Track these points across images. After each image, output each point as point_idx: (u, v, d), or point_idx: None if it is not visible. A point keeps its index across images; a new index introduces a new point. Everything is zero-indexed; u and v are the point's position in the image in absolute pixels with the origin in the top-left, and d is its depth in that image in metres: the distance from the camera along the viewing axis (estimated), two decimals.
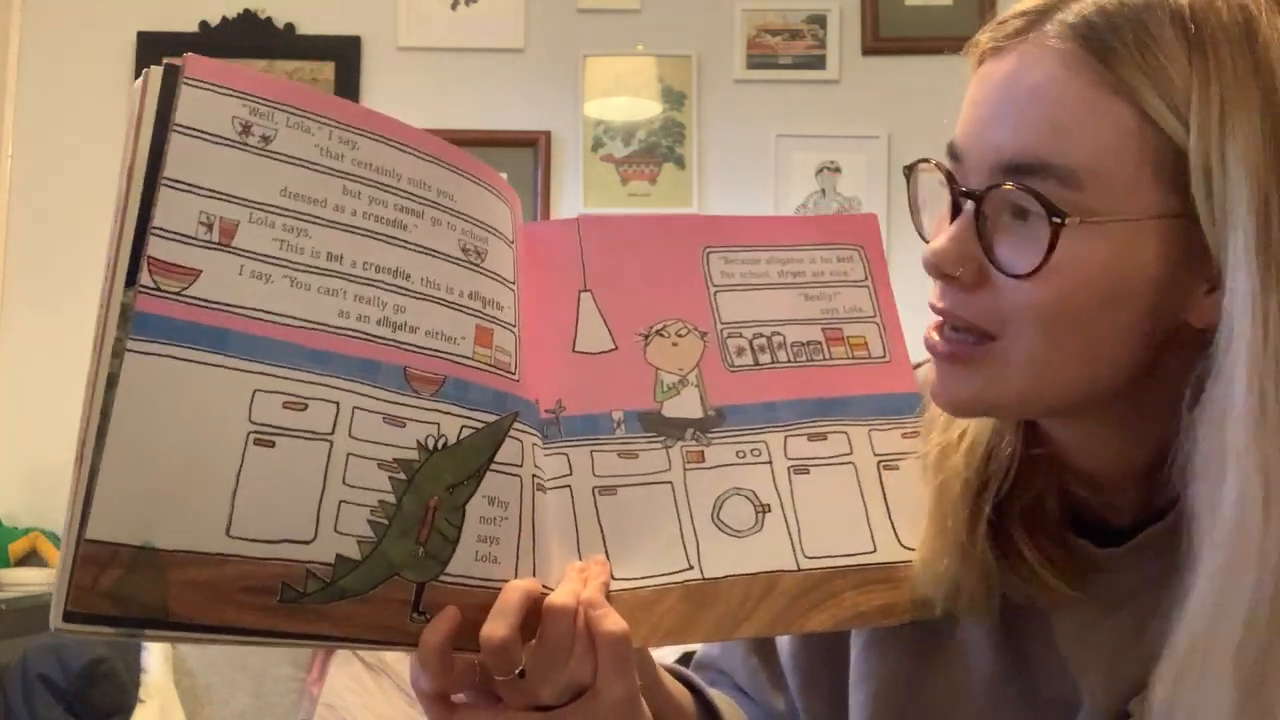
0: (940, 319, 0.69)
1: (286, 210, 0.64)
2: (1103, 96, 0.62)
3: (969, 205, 0.66)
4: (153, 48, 3.15)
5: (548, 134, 3.16)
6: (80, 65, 3.15)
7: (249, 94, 0.64)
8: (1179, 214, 0.62)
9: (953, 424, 0.76)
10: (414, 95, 3.18)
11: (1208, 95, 0.60)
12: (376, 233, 0.66)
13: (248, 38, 3.18)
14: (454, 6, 3.21)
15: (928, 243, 0.69)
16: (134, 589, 0.57)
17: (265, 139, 0.64)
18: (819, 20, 3.19)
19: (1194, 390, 0.63)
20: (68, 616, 0.56)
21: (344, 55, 3.19)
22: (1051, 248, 0.62)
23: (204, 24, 3.19)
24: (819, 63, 3.18)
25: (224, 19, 3.19)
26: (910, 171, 0.73)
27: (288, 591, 0.60)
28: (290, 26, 3.20)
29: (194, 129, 0.62)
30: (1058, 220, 0.62)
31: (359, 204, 0.66)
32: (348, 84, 3.17)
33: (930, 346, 0.70)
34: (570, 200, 3.17)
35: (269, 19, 3.20)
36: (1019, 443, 0.74)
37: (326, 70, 3.18)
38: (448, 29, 3.20)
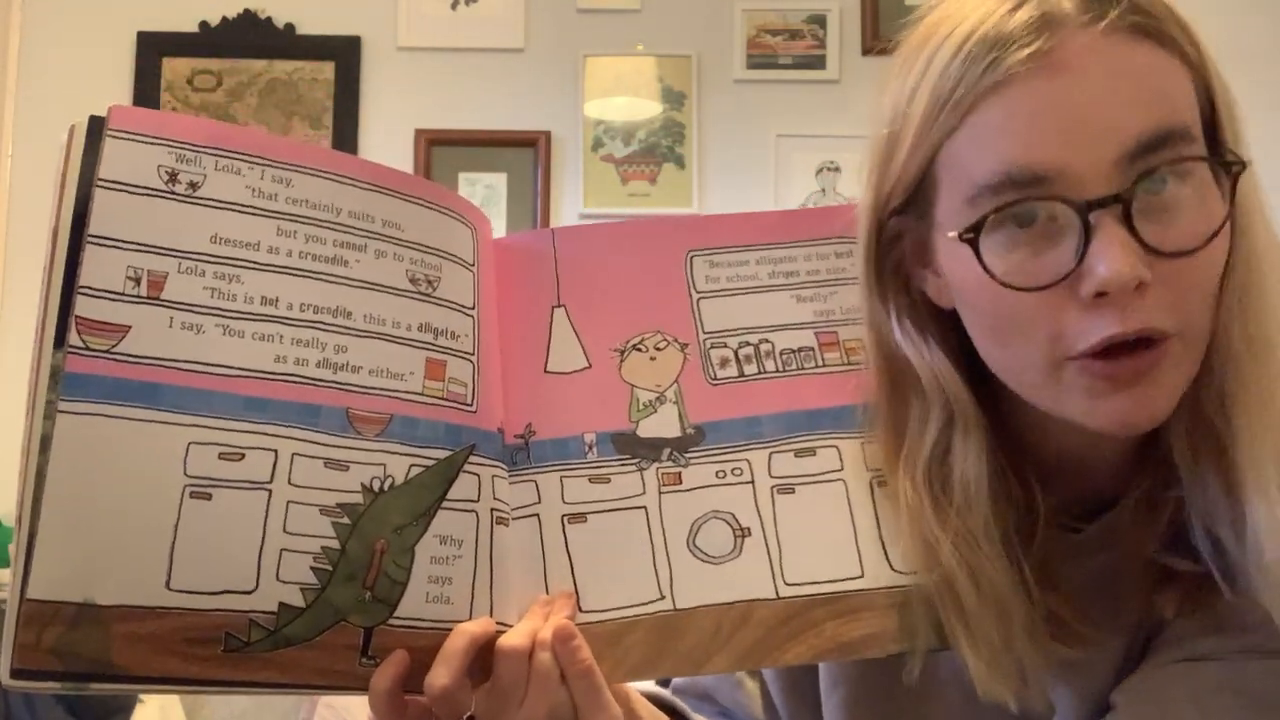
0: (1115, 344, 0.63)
1: (217, 257, 0.63)
2: (1166, 55, 0.64)
3: (1107, 212, 0.61)
4: (153, 48, 3.15)
5: (548, 134, 3.16)
6: (80, 65, 3.14)
7: (176, 140, 0.63)
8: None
9: (947, 512, 0.69)
10: (414, 95, 3.17)
11: (1194, 35, 0.65)
12: (314, 272, 0.65)
13: (248, 38, 3.18)
14: (454, 6, 3.20)
15: (1017, 288, 0.63)
16: (77, 645, 0.58)
17: (193, 185, 0.63)
18: (819, 20, 3.18)
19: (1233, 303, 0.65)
20: (14, 674, 0.57)
21: (344, 55, 3.18)
22: (1233, 197, 0.63)
23: (204, 24, 3.18)
24: (819, 63, 3.17)
25: (224, 19, 3.18)
26: (977, 231, 0.64)
27: (232, 641, 0.60)
28: (290, 26, 3.20)
29: (119, 182, 0.62)
30: (1239, 166, 0.63)
31: (294, 244, 0.65)
32: (347, 84, 3.17)
33: (1121, 372, 0.63)
34: (570, 200, 3.16)
35: (269, 19, 3.19)
36: (1033, 488, 0.70)
37: (326, 70, 3.18)
38: (448, 29, 3.20)
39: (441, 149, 3.14)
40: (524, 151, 3.15)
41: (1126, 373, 0.63)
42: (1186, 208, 0.62)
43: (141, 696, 2.45)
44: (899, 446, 0.71)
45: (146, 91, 3.10)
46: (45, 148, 3.10)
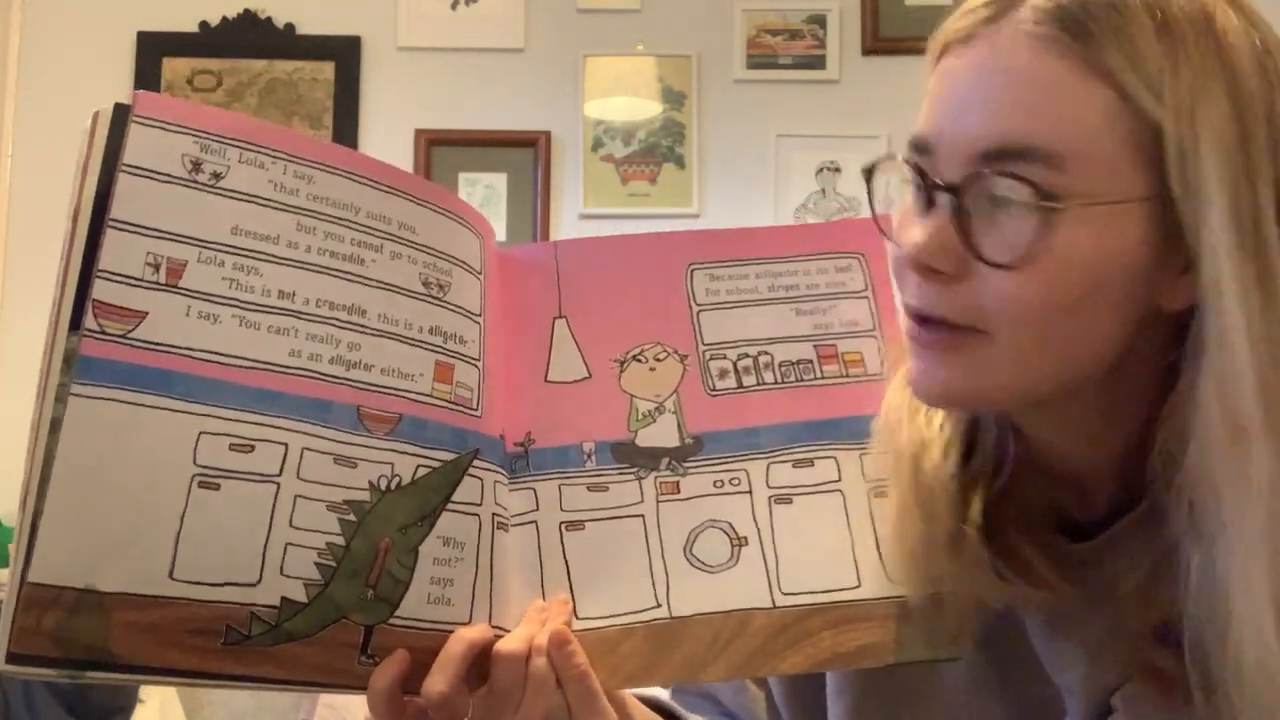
0: (913, 313, 0.66)
1: (236, 248, 0.63)
2: (1082, 78, 0.62)
3: (946, 198, 0.64)
4: (153, 48, 3.15)
5: (548, 134, 3.16)
6: (80, 65, 3.14)
7: (201, 130, 0.63)
8: (1156, 196, 0.62)
9: (919, 418, 0.72)
10: (414, 95, 3.18)
11: (1178, 75, 0.61)
12: (331, 269, 0.65)
13: (248, 38, 3.18)
14: (454, 6, 3.21)
15: (891, 240, 0.68)
16: (76, 631, 0.57)
17: (216, 176, 0.63)
18: (819, 20, 3.18)
19: (1186, 369, 0.63)
20: (10, 658, 0.56)
21: (344, 55, 3.18)
22: (1041, 234, 0.61)
23: (204, 24, 3.19)
24: (819, 63, 3.18)
25: (224, 19, 3.19)
26: (870, 171, 0.70)
27: (232, 634, 0.60)
28: (290, 26, 3.20)
29: (142, 168, 0.61)
30: (1048, 205, 0.61)
31: (313, 239, 0.65)
32: (347, 84, 3.17)
33: (912, 335, 0.67)
34: (570, 200, 3.17)
35: (269, 19, 3.20)
36: (1006, 438, 0.72)
37: (326, 70, 3.18)
38: (448, 29, 3.20)
39: (441, 149, 3.15)
40: (524, 151, 3.15)
41: (926, 336, 0.66)
42: (1011, 224, 0.62)
43: (142, 697, 2.45)
44: (905, 359, 0.74)
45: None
46: (45, 148, 3.13)
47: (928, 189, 0.65)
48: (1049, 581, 0.70)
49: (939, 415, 0.72)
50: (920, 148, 0.66)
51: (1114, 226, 0.62)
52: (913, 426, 0.72)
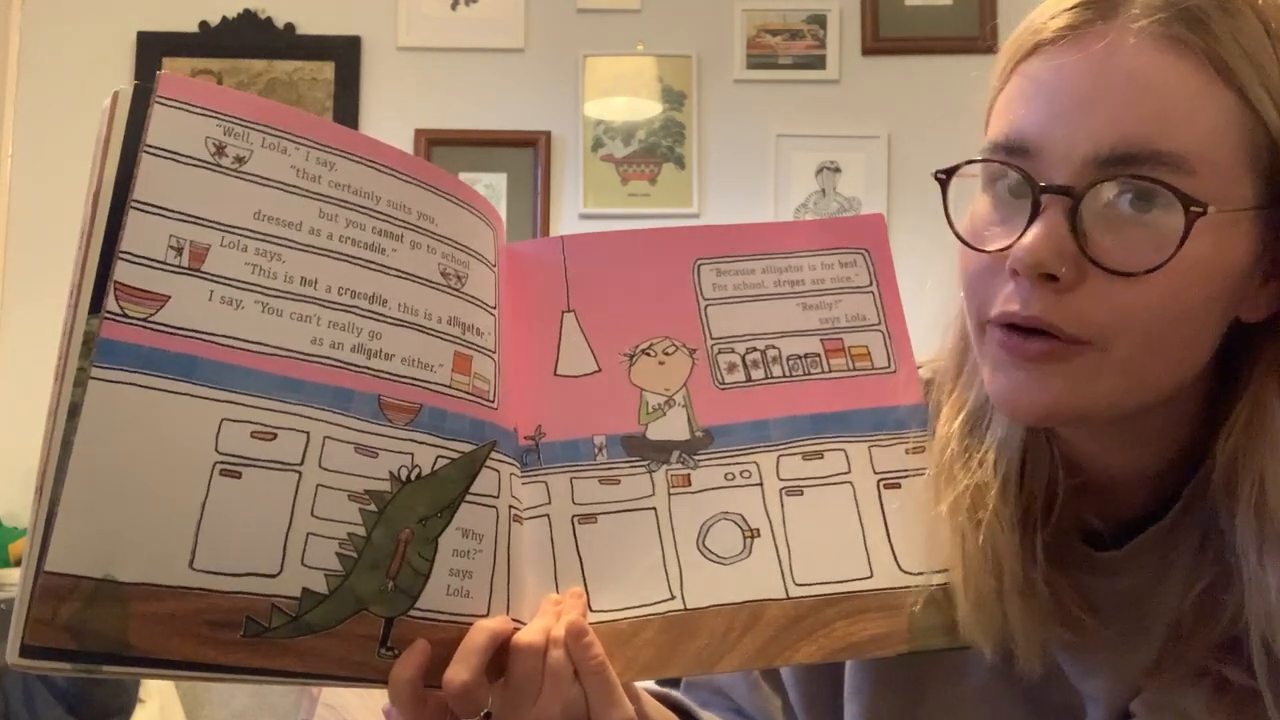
0: (1012, 322, 0.63)
1: (259, 233, 0.62)
2: (1208, 81, 0.60)
3: (1059, 201, 0.61)
4: (153, 48, 3.15)
5: (548, 134, 3.16)
6: (80, 65, 3.14)
7: (224, 113, 0.62)
8: (1266, 205, 0.61)
9: (972, 460, 0.70)
10: (414, 95, 3.17)
11: None
12: (353, 256, 0.64)
13: (248, 38, 3.18)
14: (454, 6, 3.20)
15: (973, 247, 0.65)
16: (94, 622, 0.56)
17: (239, 160, 0.62)
18: (819, 20, 3.18)
19: (1266, 380, 0.63)
20: (25, 651, 0.54)
21: (344, 55, 3.18)
22: (1183, 241, 0.59)
23: (204, 24, 3.18)
24: (819, 63, 3.17)
25: (224, 19, 3.18)
26: (949, 174, 0.67)
27: (252, 626, 0.59)
28: (290, 26, 3.20)
29: (165, 150, 0.60)
30: (1198, 210, 0.59)
31: (335, 227, 0.64)
32: (347, 84, 3.17)
33: (1009, 347, 0.63)
34: (570, 200, 3.16)
35: (269, 19, 3.19)
36: (1056, 464, 0.70)
37: (326, 70, 3.18)
38: (448, 29, 3.20)
39: (441, 149, 3.14)
40: (524, 151, 3.15)
41: (1016, 353, 0.63)
42: (1140, 231, 0.60)
43: (142, 697, 2.45)
44: (954, 386, 0.73)
45: None
46: (45, 148, 3.13)
47: (1035, 191, 0.61)
48: (1083, 622, 0.69)
49: (991, 454, 0.70)
50: (1018, 149, 0.63)
51: (1232, 234, 0.61)
52: (966, 471, 0.70)
